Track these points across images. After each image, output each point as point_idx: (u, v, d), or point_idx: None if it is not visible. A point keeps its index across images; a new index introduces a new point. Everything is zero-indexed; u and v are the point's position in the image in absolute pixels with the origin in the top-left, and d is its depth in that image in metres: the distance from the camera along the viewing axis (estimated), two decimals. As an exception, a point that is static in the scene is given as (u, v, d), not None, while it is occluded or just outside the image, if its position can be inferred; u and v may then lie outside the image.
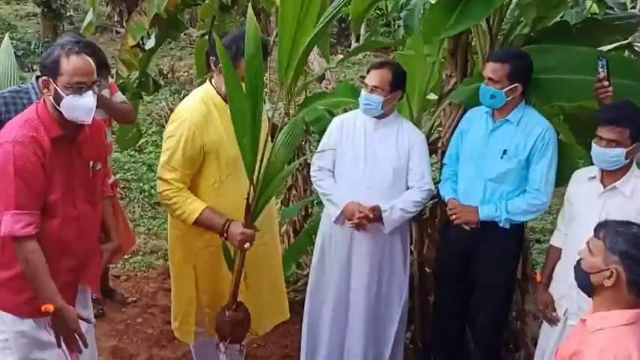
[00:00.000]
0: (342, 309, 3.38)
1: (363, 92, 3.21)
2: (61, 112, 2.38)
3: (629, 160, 2.69)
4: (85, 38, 3.71)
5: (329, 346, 3.44)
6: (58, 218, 2.43)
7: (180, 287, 3.11)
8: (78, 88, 2.34)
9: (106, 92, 3.84)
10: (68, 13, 12.30)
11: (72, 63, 2.34)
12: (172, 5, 4.52)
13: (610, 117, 2.65)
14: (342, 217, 3.25)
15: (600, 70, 2.83)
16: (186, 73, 10.02)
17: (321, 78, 4.37)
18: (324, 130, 3.45)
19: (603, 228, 2.03)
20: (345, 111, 3.80)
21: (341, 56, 4.73)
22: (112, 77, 4.35)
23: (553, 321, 2.92)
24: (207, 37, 5.28)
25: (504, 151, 3.08)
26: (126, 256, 4.95)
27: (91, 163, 2.56)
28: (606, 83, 2.80)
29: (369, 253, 3.27)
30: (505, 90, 3.01)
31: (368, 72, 3.25)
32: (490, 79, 3.01)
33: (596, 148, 2.69)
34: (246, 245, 2.71)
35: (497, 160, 3.10)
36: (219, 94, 2.87)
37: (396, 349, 3.44)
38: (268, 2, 5.13)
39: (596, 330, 1.99)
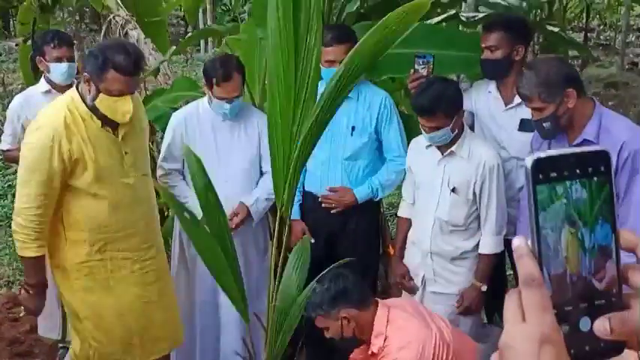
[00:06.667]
0: (213, 310, 3.20)
1: None
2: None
3: (457, 130, 2.73)
4: None
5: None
6: None
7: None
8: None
9: None
10: None
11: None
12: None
13: (423, 109, 2.67)
14: None
15: (422, 67, 2.87)
16: (20, 86, 9.28)
17: (155, 72, 4.14)
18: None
19: None
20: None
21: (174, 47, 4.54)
22: None
23: (412, 291, 2.96)
24: (29, 41, 4.89)
25: (353, 128, 3.07)
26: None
27: None
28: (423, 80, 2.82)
29: (239, 248, 3.11)
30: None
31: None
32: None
33: (425, 135, 2.73)
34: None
35: (348, 138, 3.08)
36: (85, 103, 2.57)
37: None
38: (97, 3, 4.86)
39: None
